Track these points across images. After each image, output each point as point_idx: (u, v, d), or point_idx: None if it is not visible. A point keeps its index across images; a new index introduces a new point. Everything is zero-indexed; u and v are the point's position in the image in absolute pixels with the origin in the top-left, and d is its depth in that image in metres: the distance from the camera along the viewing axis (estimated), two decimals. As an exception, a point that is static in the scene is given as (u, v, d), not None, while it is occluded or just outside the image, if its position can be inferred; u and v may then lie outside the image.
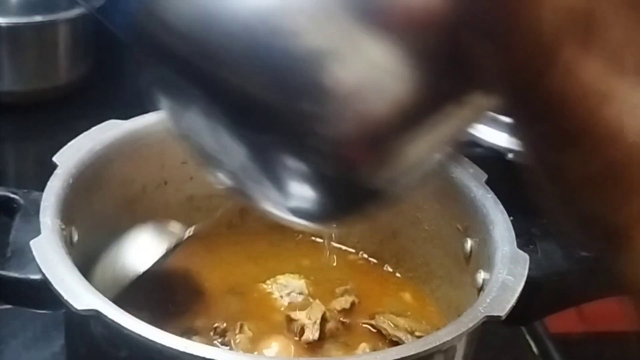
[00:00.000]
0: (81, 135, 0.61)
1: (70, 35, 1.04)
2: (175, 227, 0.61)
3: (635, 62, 0.30)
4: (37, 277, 0.51)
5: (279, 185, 0.34)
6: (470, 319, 0.50)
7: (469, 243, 0.62)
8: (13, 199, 0.58)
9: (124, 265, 0.57)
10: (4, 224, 0.56)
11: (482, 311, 0.50)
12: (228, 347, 0.59)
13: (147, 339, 0.45)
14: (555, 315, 0.63)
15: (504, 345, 0.75)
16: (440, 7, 0.31)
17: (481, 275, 0.58)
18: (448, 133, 0.34)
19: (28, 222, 0.55)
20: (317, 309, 0.62)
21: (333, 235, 0.71)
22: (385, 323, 0.62)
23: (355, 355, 0.49)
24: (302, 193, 0.34)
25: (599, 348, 0.82)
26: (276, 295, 0.65)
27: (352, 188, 0.33)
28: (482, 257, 0.59)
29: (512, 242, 0.56)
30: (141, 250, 0.58)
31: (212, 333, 0.60)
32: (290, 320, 0.61)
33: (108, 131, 0.62)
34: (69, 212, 0.55)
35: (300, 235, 0.71)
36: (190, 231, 0.61)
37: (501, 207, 0.60)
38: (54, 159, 0.58)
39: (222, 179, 0.38)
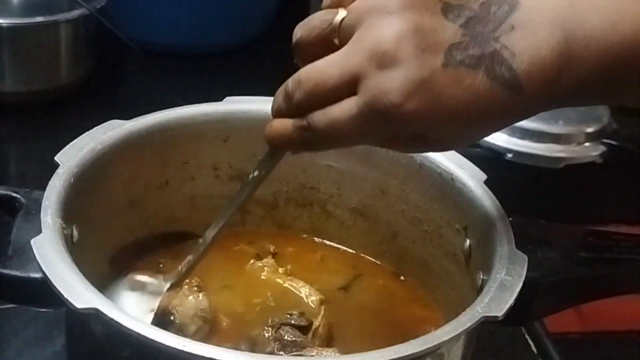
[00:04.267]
0: (82, 135, 0.61)
1: (71, 35, 1.05)
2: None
3: None
4: (38, 275, 0.51)
5: None
6: (468, 319, 0.50)
7: (468, 243, 0.62)
8: (15, 198, 0.58)
9: None
10: (5, 222, 0.56)
11: (480, 311, 0.50)
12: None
13: (147, 337, 0.46)
14: (554, 315, 0.63)
15: (502, 345, 0.76)
16: None
17: (480, 276, 0.58)
18: None
19: (29, 221, 0.55)
20: None
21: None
22: None
23: (354, 354, 0.49)
24: None
25: (598, 348, 0.83)
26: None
27: None
28: (481, 257, 0.60)
29: (511, 242, 0.57)
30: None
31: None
32: None
33: (109, 131, 0.62)
34: (70, 211, 0.55)
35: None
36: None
37: (500, 207, 0.60)
38: (56, 158, 0.58)
39: None
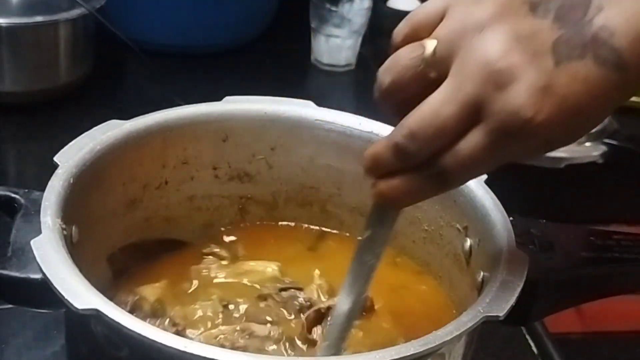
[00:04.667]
0: (82, 135, 0.61)
1: (70, 35, 1.04)
2: None
3: None
4: (38, 276, 0.51)
5: None
6: (469, 319, 0.50)
7: (468, 243, 0.62)
8: (14, 198, 0.58)
9: None
10: (4, 223, 0.56)
11: (482, 311, 0.50)
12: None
13: (147, 338, 0.45)
14: (554, 315, 0.63)
15: (503, 345, 0.76)
16: None
17: (481, 275, 0.58)
18: None
19: (29, 222, 0.55)
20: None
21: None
22: None
23: (354, 355, 0.49)
24: None
25: (599, 348, 0.83)
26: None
27: None
28: (481, 257, 0.60)
29: (512, 242, 0.56)
30: None
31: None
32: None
33: (109, 131, 0.62)
34: (69, 212, 0.55)
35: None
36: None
37: (501, 207, 0.60)
38: (55, 158, 0.58)
39: None
